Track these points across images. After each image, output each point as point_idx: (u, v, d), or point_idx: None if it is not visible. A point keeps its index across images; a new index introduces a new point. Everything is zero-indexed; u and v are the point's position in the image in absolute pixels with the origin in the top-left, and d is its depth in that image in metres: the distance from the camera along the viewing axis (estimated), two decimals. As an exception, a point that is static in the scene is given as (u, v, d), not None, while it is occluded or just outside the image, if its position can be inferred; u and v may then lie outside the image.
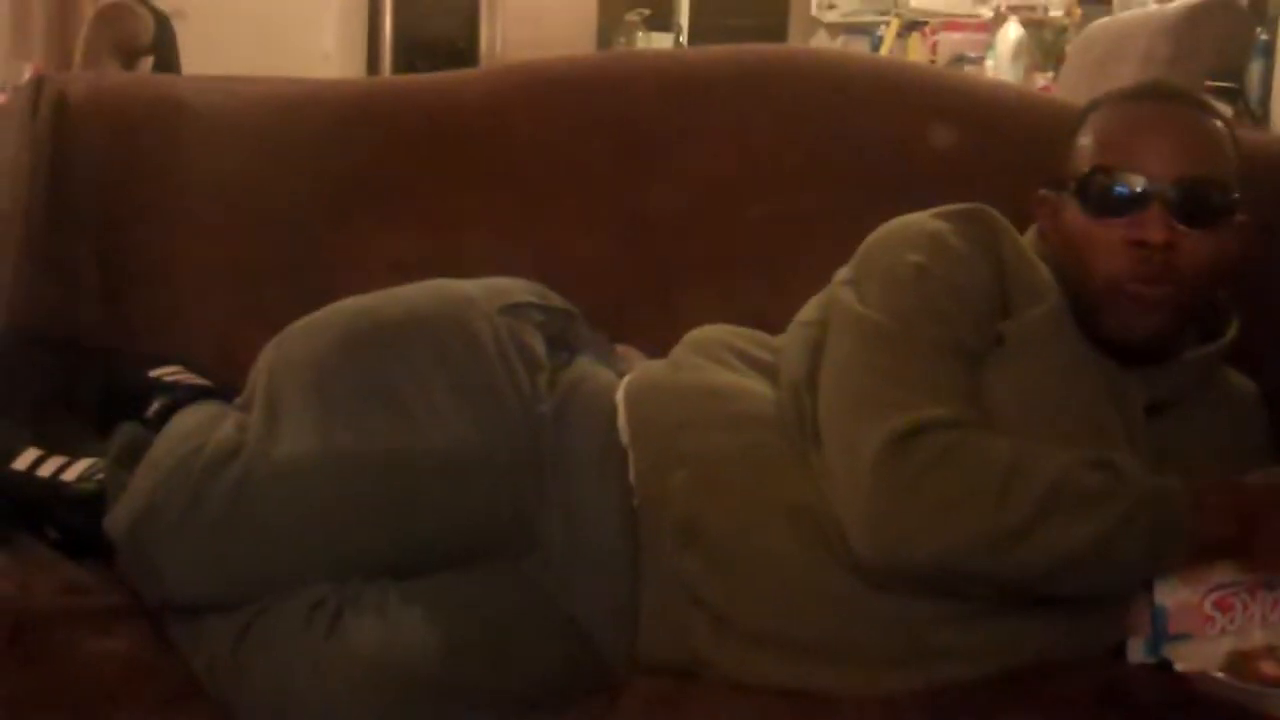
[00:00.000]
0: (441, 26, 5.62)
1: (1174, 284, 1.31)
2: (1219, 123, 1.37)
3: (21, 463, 1.43)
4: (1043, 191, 1.42)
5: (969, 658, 1.24)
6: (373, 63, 5.37)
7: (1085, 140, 1.38)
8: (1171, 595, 1.19)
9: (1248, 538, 1.20)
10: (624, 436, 1.37)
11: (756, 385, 1.41)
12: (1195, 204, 1.30)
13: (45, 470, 1.43)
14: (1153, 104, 1.39)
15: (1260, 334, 1.43)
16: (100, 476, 1.40)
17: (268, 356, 1.41)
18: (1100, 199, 1.33)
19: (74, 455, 1.45)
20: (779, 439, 1.34)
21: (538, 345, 1.42)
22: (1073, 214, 1.36)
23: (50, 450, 1.45)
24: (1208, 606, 1.18)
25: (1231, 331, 1.40)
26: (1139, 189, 1.31)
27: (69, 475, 1.42)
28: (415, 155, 1.77)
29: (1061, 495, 1.19)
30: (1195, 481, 1.21)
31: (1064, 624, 1.24)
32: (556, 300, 1.51)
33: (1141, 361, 1.35)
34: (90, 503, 1.37)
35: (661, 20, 6.31)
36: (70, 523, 1.40)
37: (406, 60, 5.40)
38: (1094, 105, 1.42)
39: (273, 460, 1.30)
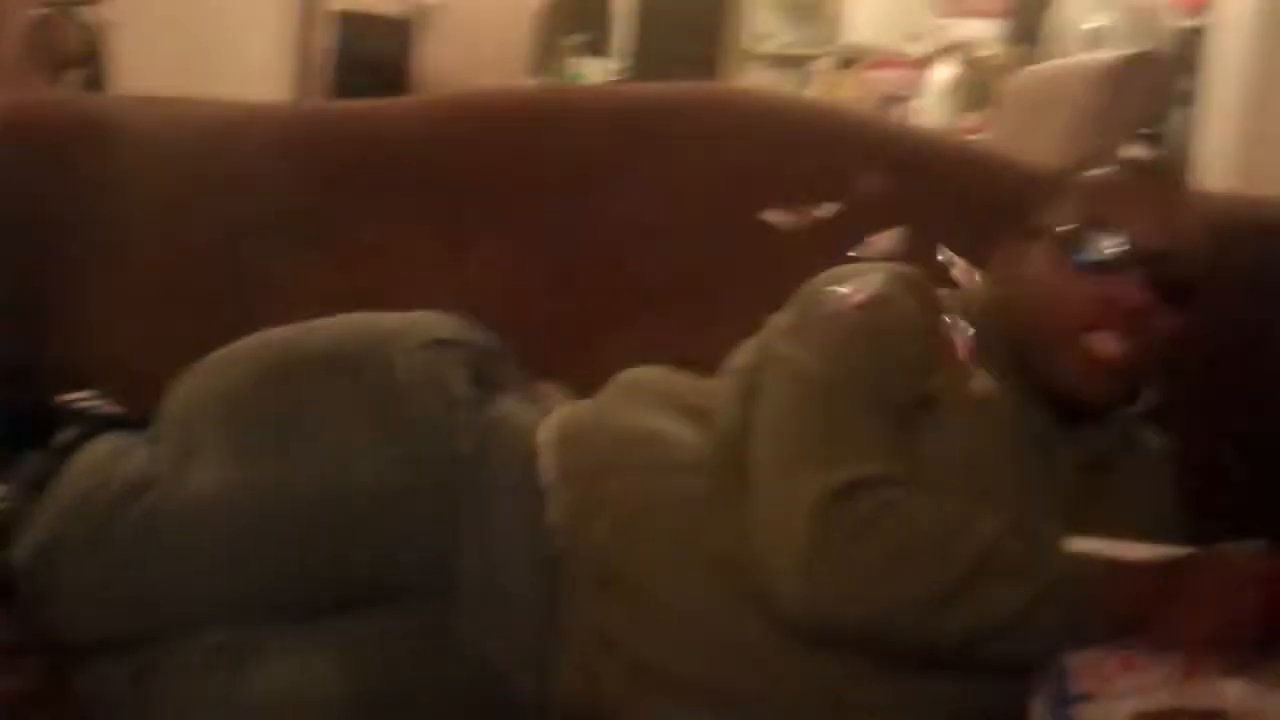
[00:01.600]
0: (376, 46, 5.60)
1: (1133, 348, 1.31)
2: (1194, 201, 1.40)
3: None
4: (1007, 242, 1.42)
5: (883, 713, 1.23)
6: (304, 79, 5.31)
7: (1075, 195, 1.38)
8: (1077, 655, 1.18)
9: (1156, 619, 1.19)
10: (546, 478, 1.35)
11: (685, 430, 1.39)
12: (1172, 277, 1.31)
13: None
14: (1146, 173, 1.41)
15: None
16: (2, 507, 1.35)
17: (182, 388, 1.38)
18: (1084, 254, 1.33)
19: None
20: (706, 487, 1.32)
21: (459, 382, 1.39)
22: (1046, 265, 1.36)
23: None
24: (1113, 666, 1.17)
25: (1152, 391, 1.40)
26: (1126, 251, 1.31)
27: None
28: (343, 185, 1.74)
29: (988, 564, 1.18)
30: (1111, 559, 1.21)
31: (975, 682, 1.23)
32: (480, 337, 1.49)
33: (1076, 419, 1.36)
34: (-10, 534, 1.33)
35: (599, 46, 6.29)
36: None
37: (339, 78, 5.35)
38: (1086, 163, 1.43)
39: (183, 494, 1.28)
